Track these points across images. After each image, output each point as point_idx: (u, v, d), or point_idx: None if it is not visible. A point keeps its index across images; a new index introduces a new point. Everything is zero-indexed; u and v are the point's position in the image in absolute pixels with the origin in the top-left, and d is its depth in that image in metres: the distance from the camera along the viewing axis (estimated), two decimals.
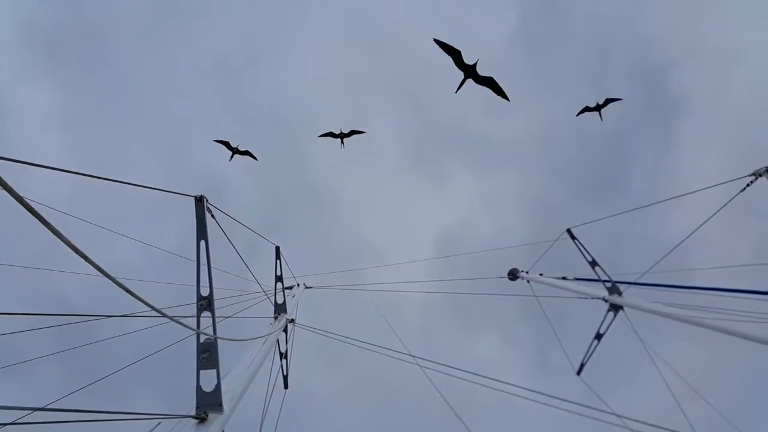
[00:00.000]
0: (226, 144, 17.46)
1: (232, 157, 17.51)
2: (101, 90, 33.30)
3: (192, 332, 5.19)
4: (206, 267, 5.37)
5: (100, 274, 2.85)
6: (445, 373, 7.76)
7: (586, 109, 15.96)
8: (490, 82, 11.15)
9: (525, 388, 7.19)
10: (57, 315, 6.19)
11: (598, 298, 10.99)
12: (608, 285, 10.89)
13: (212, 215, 5.75)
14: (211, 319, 5.31)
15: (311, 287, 12.70)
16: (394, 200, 41.43)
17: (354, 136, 17.51)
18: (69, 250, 2.58)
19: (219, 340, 5.27)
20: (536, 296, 12.39)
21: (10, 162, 3.31)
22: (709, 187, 9.22)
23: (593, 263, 11.21)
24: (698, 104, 32.74)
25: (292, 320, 10.24)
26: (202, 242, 5.44)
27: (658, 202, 11.43)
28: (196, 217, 5.53)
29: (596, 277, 11.12)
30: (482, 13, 37.68)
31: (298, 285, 12.41)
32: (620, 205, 11.00)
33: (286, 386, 10.47)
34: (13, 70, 32.39)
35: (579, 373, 11.49)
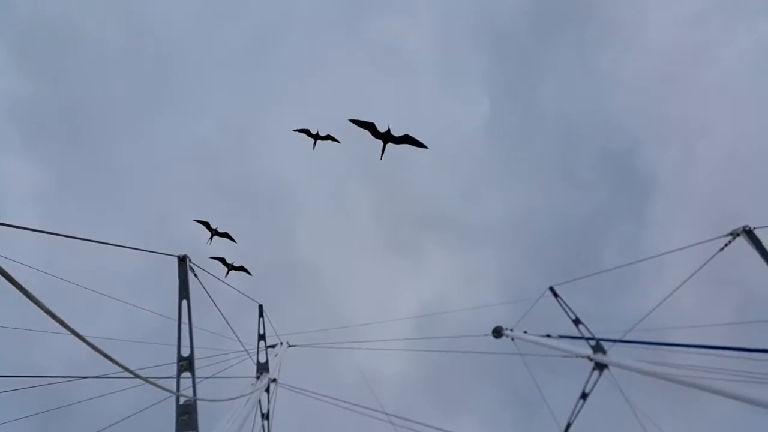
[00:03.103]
0: (206, 225, 17.17)
1: (211, 238, 17.23)
2: (80, 166, 33.46)
3: (171, 394, 5.13)
4: (187, 327, 5.36)
5: (77, 339, 2.87)
6: None
7: (308, 133, 15.48)
8: (406, 139, 11.43)
9: None
10: (29, 377, 6.06)
11: (583, 357, 10.94)
12: (592, 343, 10.88)
13: (195, 274, 5.77)
14: (191, 379, 5.26)
15: (294, 345, 12.52)
16: (372, 277, 41.68)
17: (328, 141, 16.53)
18: (45, 316, 2.61)
19: (199, 402, 5.20)
20: (521, 354, 12.30)
21: None
22: (690, 246, 9.39)
23: (576, 321, 11.23)
24: (666, 181, 33.76)
25: (275, 379, 10.06)
26: (184, 302, 5.45)
27: (642, 260, 11.51)
28: (179, 277, 5.56)
29: (580, 335, 11.12)
30: (456, 104, 39.32)
31: (281, 343, 12.24)
32: (596, 279, 11.11)
33: None
34: None
35: None
